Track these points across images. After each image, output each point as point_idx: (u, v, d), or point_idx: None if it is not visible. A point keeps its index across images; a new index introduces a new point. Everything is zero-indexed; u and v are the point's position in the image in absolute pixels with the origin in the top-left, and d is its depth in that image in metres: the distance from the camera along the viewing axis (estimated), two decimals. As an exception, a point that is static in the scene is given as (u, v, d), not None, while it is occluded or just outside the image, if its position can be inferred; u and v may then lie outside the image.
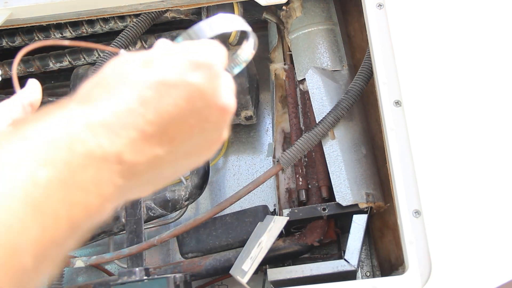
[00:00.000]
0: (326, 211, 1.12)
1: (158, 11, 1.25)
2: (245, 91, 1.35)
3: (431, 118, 0.93)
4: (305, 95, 1.27)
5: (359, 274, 1.27)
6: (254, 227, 1.14)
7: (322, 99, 1.18)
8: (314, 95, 1.20)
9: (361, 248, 1.08)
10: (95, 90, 0.41)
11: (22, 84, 0.55)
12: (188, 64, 0.43)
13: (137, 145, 0.40)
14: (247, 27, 0.54)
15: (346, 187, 1.10)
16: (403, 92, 0.95)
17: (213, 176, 1.52)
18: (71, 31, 1.37)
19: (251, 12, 1.40)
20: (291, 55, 1.34)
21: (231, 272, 1.08)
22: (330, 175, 1.13)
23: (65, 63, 1.44)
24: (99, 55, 1.42)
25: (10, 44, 1.41)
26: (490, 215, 0.86)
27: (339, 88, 1.22)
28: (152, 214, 1.27)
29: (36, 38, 1.39)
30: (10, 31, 1.37)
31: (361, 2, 1.05)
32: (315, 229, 1.16)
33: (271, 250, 1.06)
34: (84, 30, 1.37)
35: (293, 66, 1.32)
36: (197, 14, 1.37)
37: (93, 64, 1.45)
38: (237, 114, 1.41)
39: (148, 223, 1.35)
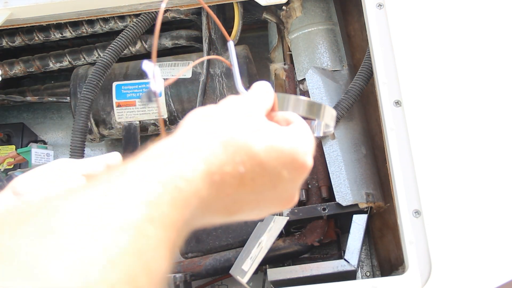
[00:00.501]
0: (326, 211, 1.12)
1: (158, 11, 1.25)
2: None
3: (431, 118, 0.93)
4: (305, 95, 1.27)
5: (359, 274, 1.27)
6: (254, 227, 1.13)
7: (322, 99, 1.19)
8: (314, 95, 1.20)
9: (361, 248, 1.08)
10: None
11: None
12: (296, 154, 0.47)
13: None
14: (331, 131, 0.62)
15: (346, 187, 1.10)
16: (403, 92, 0.95)
17: (213, 176, 1.52)
18: (71, 31, 1.37)
19: (251, 12, 1.40)
20: (291, 55, 1.34)
21: (231, 272, 1.08)
22: (330, 175, 1.13)
23: (65, 63, 1.44)
24: (99, 55, 1.42)
25: (10, 44, 1.41)
26: (490, 215, 0.86)
27: (339, 88, 1.22)
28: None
29: (36, 38, 1.39)
30: (10, 31, 1.37)
31: (361, 2, 1.05)
32: (315, 229, 1.16)
33: (271, 250, 1.06)
34: (84, 30, 1.37)
35: (293, 66, 1.31)
36: (197, 14, 1.37)
37: (93, 64, 1.45)
38: (237, 114, 1.41)
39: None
